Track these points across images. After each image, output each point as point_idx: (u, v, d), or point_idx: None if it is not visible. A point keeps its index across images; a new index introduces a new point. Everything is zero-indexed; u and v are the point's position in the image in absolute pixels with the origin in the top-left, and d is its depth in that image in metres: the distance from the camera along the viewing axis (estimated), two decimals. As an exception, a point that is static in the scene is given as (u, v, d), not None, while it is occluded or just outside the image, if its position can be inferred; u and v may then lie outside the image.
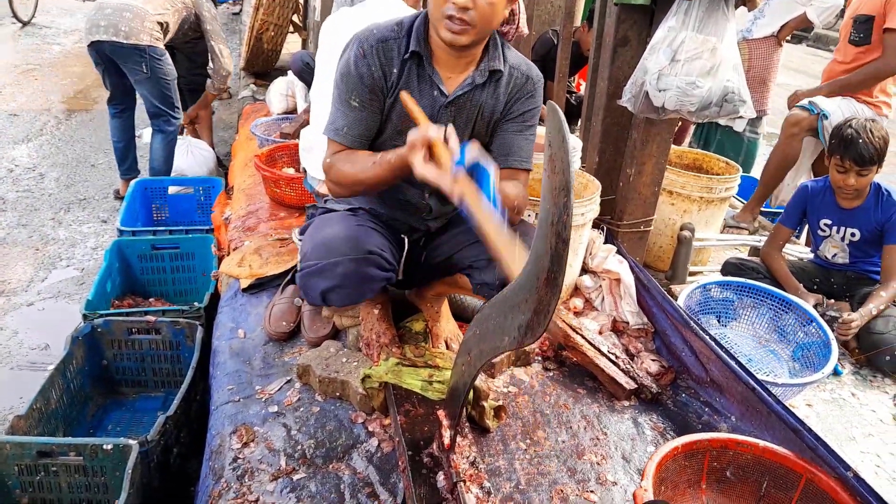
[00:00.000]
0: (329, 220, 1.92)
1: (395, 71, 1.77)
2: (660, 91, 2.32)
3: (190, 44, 4.45)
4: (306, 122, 3.98)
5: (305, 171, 2.56)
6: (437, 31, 1.68)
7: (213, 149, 4.92)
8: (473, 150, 1.51)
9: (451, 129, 1.54)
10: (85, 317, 2.54)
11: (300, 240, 2.23)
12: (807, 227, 3.13)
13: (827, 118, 3.33)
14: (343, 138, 1.81)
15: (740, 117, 3.38)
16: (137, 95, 4.16)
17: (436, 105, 1.81)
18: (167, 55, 3.97)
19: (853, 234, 2.74)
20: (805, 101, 3.47)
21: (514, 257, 1.27)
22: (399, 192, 1.93)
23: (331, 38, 2.44)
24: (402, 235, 1.99)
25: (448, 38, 1.65)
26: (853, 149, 2.58)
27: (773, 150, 3.56)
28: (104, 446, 1.92)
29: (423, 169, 1.49)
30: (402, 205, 1.96)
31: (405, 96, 1.71)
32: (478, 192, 1.43)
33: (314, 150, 2.44)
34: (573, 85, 4.99)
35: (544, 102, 2.72)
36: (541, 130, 2.21)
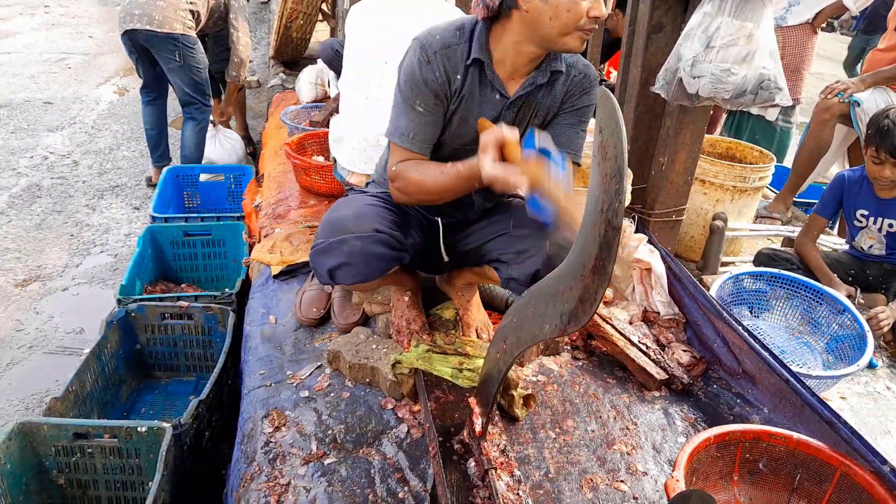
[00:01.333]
0: (343, 202, 1.94)
1: (458, 77, 1.76)
2: (694, 78, 2.28)
3: (221, 31, 4.48)
4: (336, 111, 4.00)
5: (335, 161, 2.57)
6: (561, 42, 1.66)
7: (248, 132, 4.99)
8: (541, 137, 1.49)
9: (516, 131, 1.55)
10: (119, 301, 2.58)
11: None
12: (840, 217, 3.08)
13: (859, 105, 3.27)
14: (410, 143, 1.80)
15: (774, 105, 3.32)
16: (169, 83, 4.21)
17: (498, 107, 1.80)
18: (199, 44, 4.01)
19: (891, 225, 2.68)
20: (855, 96, 3.39)
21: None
22: None
23: (359, 24, 2.44)
24: (436, 218, 1.99)
25: (578, 47, 1.67)
26: (889, 140, 2.52)
27: (805, 138, 3.50)
28: (139, 429, 1.95)
29: (493, 169, 1.48)
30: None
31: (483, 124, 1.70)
32: (548, 168, 1.41)
33: (344, 140, 2.44)
34: (603, 73, 4.93)
35: None
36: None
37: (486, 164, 1.49)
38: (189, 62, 3.96)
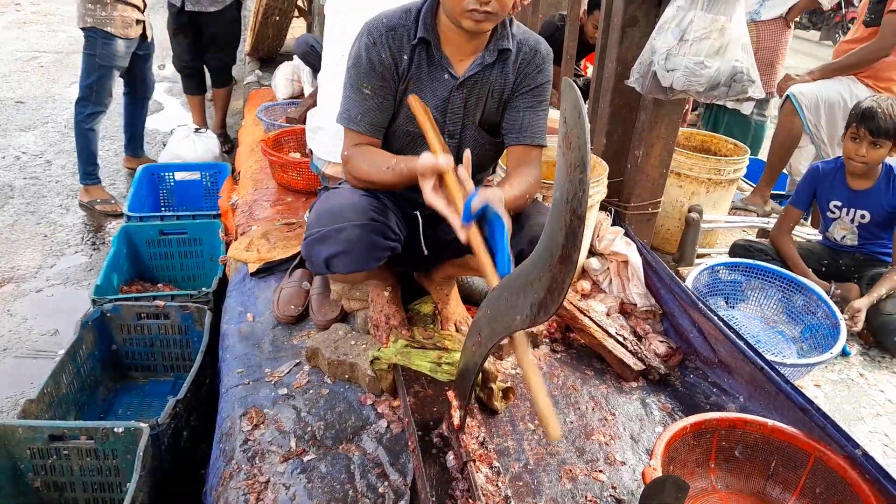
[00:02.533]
0: (336, 193, 1.93)
1: (405, 57, 1.78)
2: (668, 71, 2.30)
3: (218, 26, 4.50)
4: (312, 106, 3.98)
5: (311, 153, 2.55)
6: (457, 21, 1.69)
7: (225, 129, 4.96)
8: (481, 198, 1.47)
9: (466, 158, 1.58)
10: (94, 302, 2.55)
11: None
12: (813, 207, 3.12)
13: (792, 99, 3.36)
14: (358, 126, 1.82)
15: (749, 99, 3.36)
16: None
17: (447, 88, 1.82)
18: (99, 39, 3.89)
19: (863, 217, 2.72)
20: (788, 90, 3.45)
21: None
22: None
23: (335, 17, 2.43)
24: (415, 212, 1.99)
25: (472, 27, 1.68)
26: (869, 118, 2.58)
27: (776, 131, 3.55)
28: (115, 429, 1.93)
29: (432, 198, 1.53)
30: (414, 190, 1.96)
31: (414, 103, 1.71)
32: (484, 249, 1.46)
33: (321, 131, 2.43)
34: (580, 68, 4.96)
35: (554, 87, 2.71)
36: (554, 114, 2.20)
37: (426, 191, 1.54)
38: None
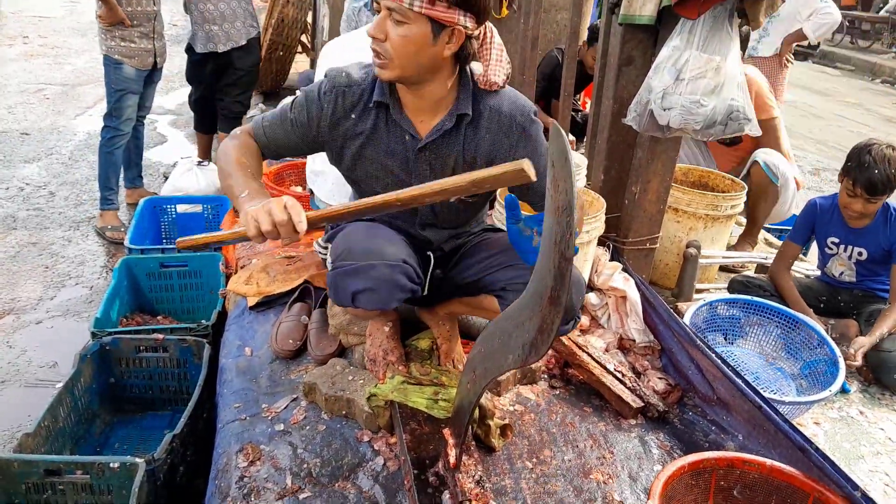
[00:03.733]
0: (367, 227, 1.93)
1: (353, 116, 1.81)
2: (664, 110, 2.33)
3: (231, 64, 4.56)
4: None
5: (312, 193, 2.58)
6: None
7: None
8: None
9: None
10: (93, 335, 2.55)
11: (324, 247, 2.24)
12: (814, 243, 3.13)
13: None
14: (258, 130, 1.87)
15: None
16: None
17: (409, 150, 1.84)
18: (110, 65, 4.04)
19: (860, 253, 2.73)
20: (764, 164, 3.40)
21: None
22: (399, 226, 1.99)
23: (333, 62, 2.48)
24: (428, 252, 2.01)
25: (377, 70, 1.71)
26: (866, 176, 2.57)
27: (750, 190, 3.32)
28: (111, 464, 1.92)
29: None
30: (408, 236, 1.99)
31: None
32: None
33: (322, 174, 2.46)
34: (579, 103, 5.02)
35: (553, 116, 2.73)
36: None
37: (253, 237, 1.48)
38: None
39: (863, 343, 2.50)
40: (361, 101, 1.81)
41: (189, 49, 4.48)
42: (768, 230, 3.92)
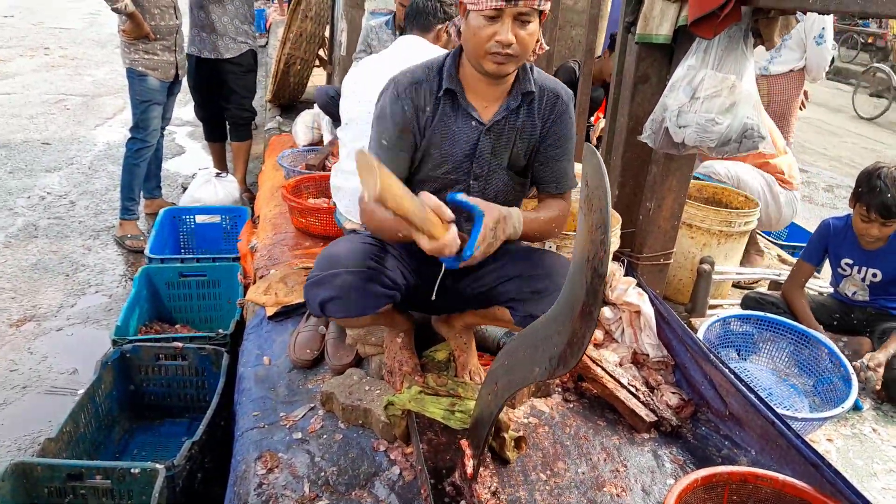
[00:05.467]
0: (341, 240, 2.02)
1: (428, 110, 1.86)
2: (680, 127, 2.36)
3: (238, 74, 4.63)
4: (331, 154, 4.08)
5: (335, 206, 2.64)
6: (479, 64, 1.77)
7: (246, 185, 5.01)
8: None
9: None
10: (114, 342, 2.60)
11: None
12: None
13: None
14: None
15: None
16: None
17: (476, 133, 1.89)
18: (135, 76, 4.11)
19: (874, 275, 2.74)
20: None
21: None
22: None
23: (354, 87, 2.54)
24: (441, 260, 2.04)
25: (493, 69, 1.75)
26: (879, 201, 2.57)
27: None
28: (132, 470, 1.96)
29: (427, 244, 1.60)
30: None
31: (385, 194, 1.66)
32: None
33: (342, 189, 2.51)
34: (591, 119, 5.05)
35: None
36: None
37: (423, 243, 1.59)
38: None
39: (880, 360, 2.51)
40: (433, 93, 1.87)
41: (188, 55, 4.57)
42: (783, 247, 3.93)
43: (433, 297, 2.02)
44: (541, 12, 1.74)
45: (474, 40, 1.73)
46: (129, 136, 4.22)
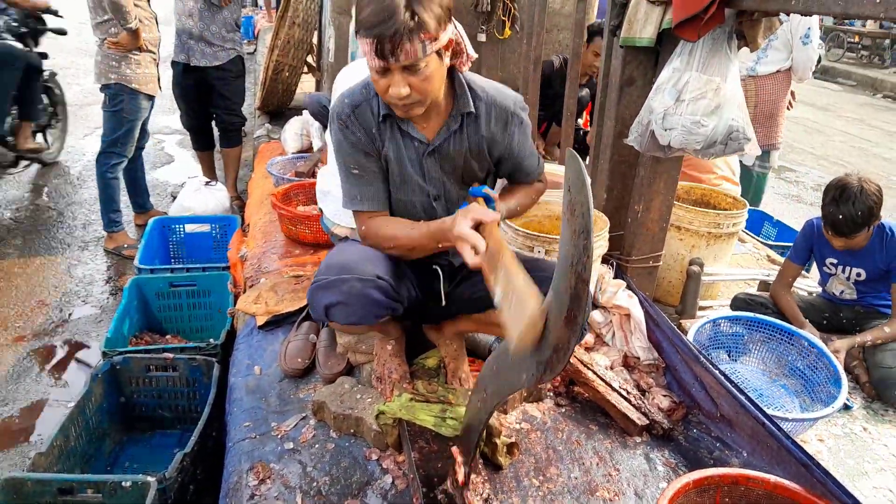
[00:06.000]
0: (348, 246, 2.01)
1: (374, 131, 1.84)
2: (665, 130, 2.37)
3: (225, 81, 4.62)
4: (320, 161, 4.08)
5: (322, 211, 2.63)
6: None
7: (237, 192, 5.01)
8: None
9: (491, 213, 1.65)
10: (104, 354, 2.58)
11: None
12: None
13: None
14: (362, 205, 1.89)
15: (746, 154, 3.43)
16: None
17: (420, 154, 1.89)
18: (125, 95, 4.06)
19: (859, 274, 2.75)
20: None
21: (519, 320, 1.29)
22: None
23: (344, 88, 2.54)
24: (434, 266, 2.05)
25: (403, 114, 1.75)
26: (830, 220, 2.62)
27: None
28: (123, 483, 1.95)
29: (463, 228, 1.60)
30: None
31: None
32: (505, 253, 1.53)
33: (329, 193, 2.51)
34: (581, 121, 5.06)
35: (559, 145, 2.80)
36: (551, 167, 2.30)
37: (462, 224, 1.59)
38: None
39: (837, 346, 2.54)
40: (374, 114, 1.84)
41: (173, 63, 4.55)
42: (772, 247, 3.95)
43: (443, 303, 2.04)
44: (437, 51, 1.64)
45: (377, 89, 1.71)
46: (105, 151, 4.13)
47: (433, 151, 1.88)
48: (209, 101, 4.71)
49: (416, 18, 1.54)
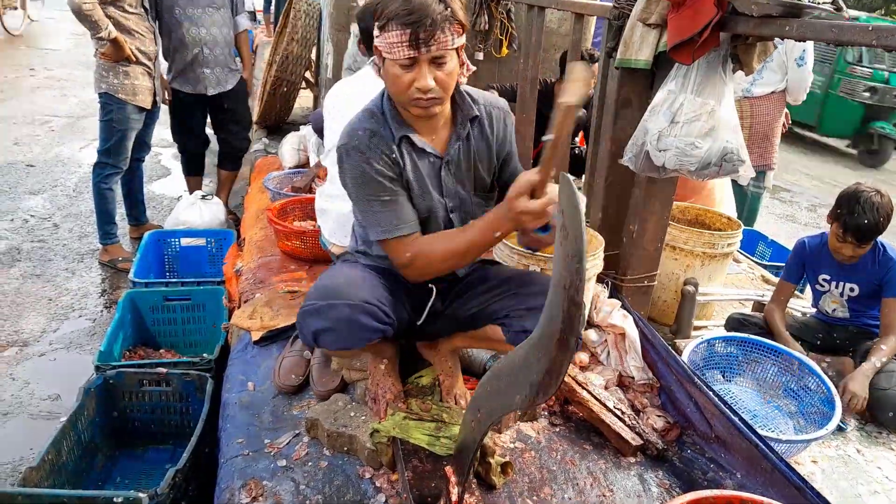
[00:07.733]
0: (339, 269, 2.01)
1: (394, 156, 1.85)
2: (660, 151, 2.39)
3: (230, 110, 4.64)
4: (317, 176, 4.09)
5: (321, 229, 2.65)
6: (407, 109, 1.79)
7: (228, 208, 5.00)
8: None
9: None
10: (97, 368, 2.58)
11: None
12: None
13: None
14: (401, 230, 1.84)
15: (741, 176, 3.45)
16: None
17: (436, 169, 1.91)
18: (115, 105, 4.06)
19: (852, 290, 2.77)
20: None
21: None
22: None
23: (335, 105, 2.56)
24: (430, 284, 2.05)
25: (420, 114, 1.78)
26: (855, 224, 2.61)
27: None
28: (115, 499, 1.93)
29: (528, 204, 1.57)
30: None
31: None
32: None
33: (326, 213, 2.52)
34: (577, 140, 5.09)
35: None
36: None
37: (520, 202, 1.57)
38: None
39: (854, 389, 2.50)
40: (391, 139, 1.85)
41: (174, 91, 4.47)
42: (766, 267, 3.97)
43: (419, 322, 2.03)
44: (456, 49, 1.74)
45: (395, 88, 1.73)
46: (98, 161, 4.14)
47: (448, 163, 1.91)
48: (216, 126, 4.71)
49: (449, 9, 1.65)
